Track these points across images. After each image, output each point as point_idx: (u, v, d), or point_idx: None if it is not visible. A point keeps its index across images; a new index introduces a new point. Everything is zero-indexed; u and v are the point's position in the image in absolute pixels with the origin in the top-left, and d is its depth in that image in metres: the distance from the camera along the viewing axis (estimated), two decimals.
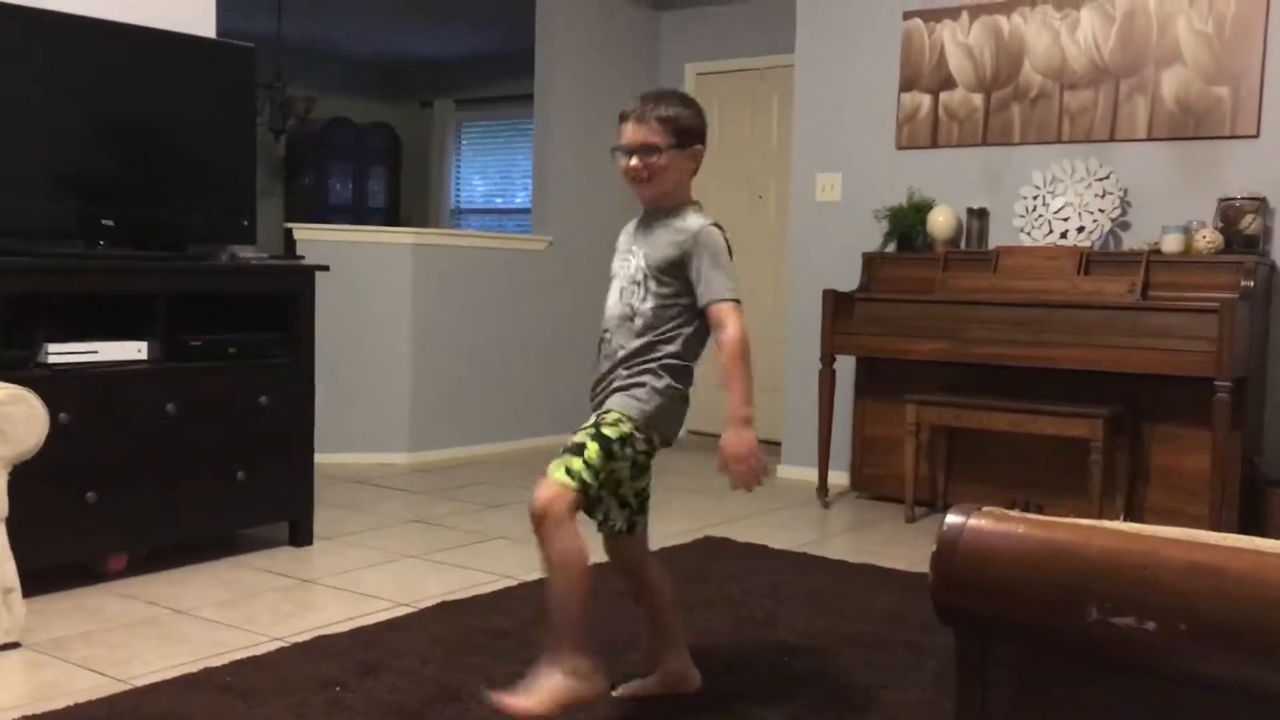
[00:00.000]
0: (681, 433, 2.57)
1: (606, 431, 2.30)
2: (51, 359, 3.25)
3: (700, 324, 2.41)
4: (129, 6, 3.82)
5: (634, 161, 2.37)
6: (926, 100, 5.12)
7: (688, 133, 2.38)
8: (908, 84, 5.17)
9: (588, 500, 2.31)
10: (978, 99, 4.99)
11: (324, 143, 9.14)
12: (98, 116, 3.62)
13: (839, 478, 5.13)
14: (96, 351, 3.35)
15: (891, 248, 5.09)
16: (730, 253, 2.41)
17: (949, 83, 5.06)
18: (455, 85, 9.38)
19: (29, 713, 2.40)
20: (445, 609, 3.24)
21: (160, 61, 3.75)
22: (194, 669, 2.69)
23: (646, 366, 2.37)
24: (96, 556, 3.44)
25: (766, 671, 2.79)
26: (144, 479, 3.46)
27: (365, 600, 3.35)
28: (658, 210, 2.45)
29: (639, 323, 2.38)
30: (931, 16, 5.10)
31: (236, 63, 3.96)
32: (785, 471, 5.56)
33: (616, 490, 2.44)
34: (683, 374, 2.42)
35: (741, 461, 2.31)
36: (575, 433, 2.34)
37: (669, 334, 2.38)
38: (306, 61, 8.39)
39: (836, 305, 4.85)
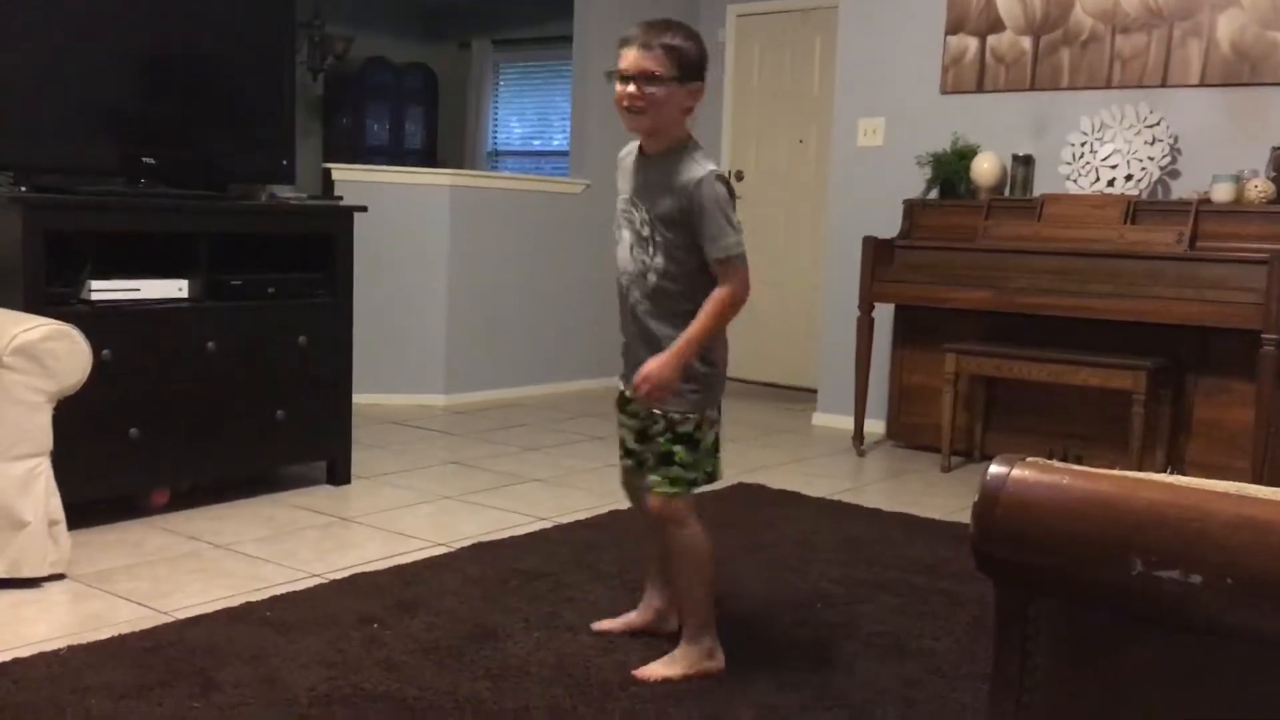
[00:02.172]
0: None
1: (683, 430, 2.35)
2: (94, 296, 3.28)
3: (707, 275, 2.34)
4: None
5: (631, 88, 2.26)
6: (973, 43, 5.01)
7: (691, 67, 2.27)
8: (954, 26, 5.06)
9: (696, 487, 2.41)
10: (1026, 42, 4.89)
11: (361, 83, 9.09)
12: (138, 54, 3.61)
13: (875, 426, 5.11)
14: (138, 289, 3.38)
15: (934, 194, 5.02)
16: (733, 197, 2.32)
17: (997, 25, 4.95)
18: (493, 26, 9.29)
19: (75, 642, 2.45)
20: (480, 549, 3.27)
21: None
22: (234, 603, 2.74)
23: (679, 332, 2.31)
24: (139, 491, 3.49)
25: (798, 619, 2.80)
26: (185, 416, 3.50)
27: (402, 539, 3.38)
28: (656, 152, 2.35)
29: (653, 279, 2.34)
30: None
31: (276, 1, 3.94)
32: (821, 419, 5.54)
33: (719, 446, 2.49)
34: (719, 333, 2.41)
35: (647, 381, 2.28)
36: (637, 434, 2.42)
37: (685, 289, 2.32)
38: (344, 0, 8.33)
39: (876, 252, 4.80)
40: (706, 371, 2.37)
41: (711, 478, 2.46)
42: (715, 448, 2.46)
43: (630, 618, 2.64)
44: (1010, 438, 4.67)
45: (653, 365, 2.28)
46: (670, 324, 2.34)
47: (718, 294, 2.28)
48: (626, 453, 2.52)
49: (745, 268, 2.30)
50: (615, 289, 2.50)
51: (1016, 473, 1.31)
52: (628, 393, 2.44)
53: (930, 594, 2.99)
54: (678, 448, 2.35)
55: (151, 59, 3.64)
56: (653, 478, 2.37)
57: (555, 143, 9.12)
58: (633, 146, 2.46)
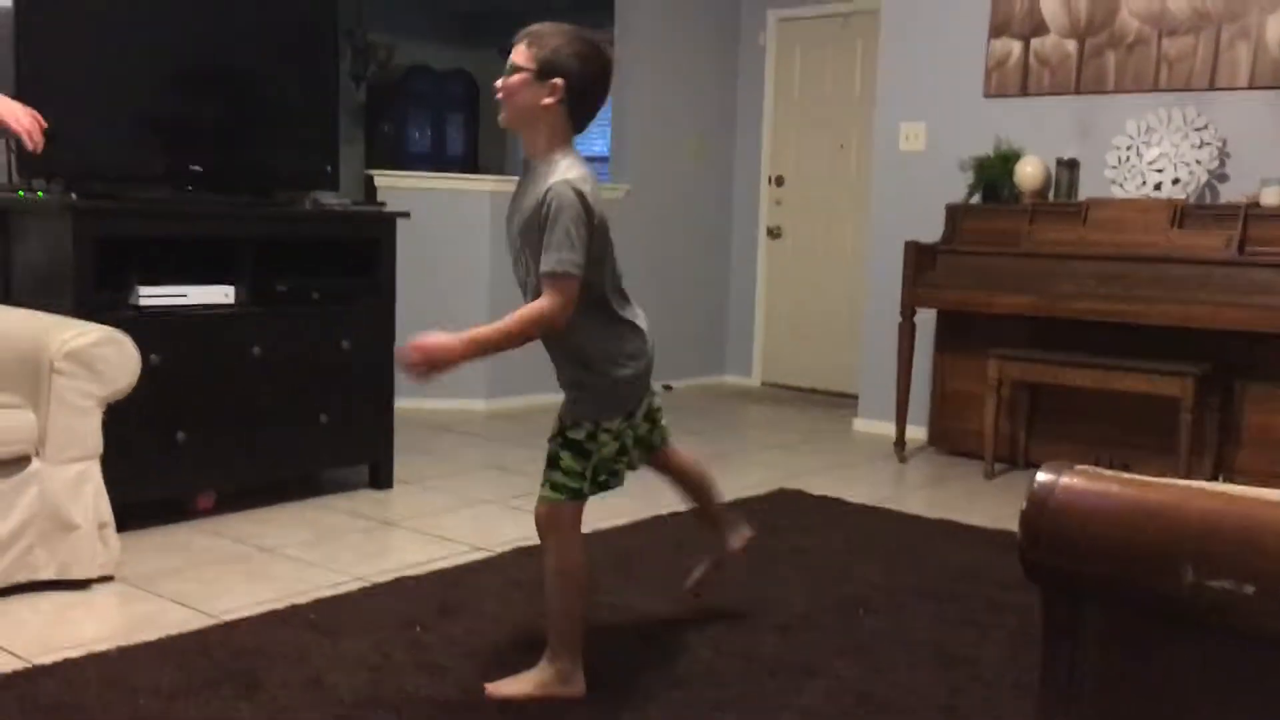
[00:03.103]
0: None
1: (572, 436, 2.26)
2: (143, 301, 3.33)
3: (599, 268, 2.22)
4: None
5: (498, 80, 2.23)
6: (1017, 46, 4.97)
7: (549, 64, 2.17)
8: (998, 29, 5.02)
9: (583, 498, 2.30)
10: (1071, 45, 4.84)
11: (403, 90, 9.17)
12: (185, 64, 3.66)
13: (916, 432, 5.07)
14: (186, 295, 3.42)
15: (976, 199, 4.98)
16: (589, 215, 2.15)
17: (1041, 28, 4.91)
18: None
19: (124, 643, 2.48)
20: (522, 554, 3.28)
21: (245, 8, 3.78)
22: (280, 605, 2.76)
23: (569, 354, 2.27)
24: (186, 494, 3.53)
25: (841, 626, 2.78)
26: (231, 420, 3.54)
27: (444, 543, 3.40)
28: (532, 159, 2.26)
29: (531, 291, 2.22)
30: None
31: (319, 10, 3.98)
32: (862, 425, 5.52)
33: (625, 454, 2.36)
34: (608, 342, 2.27)
35: (418, 351, 2.09)
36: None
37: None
38: (386, 8, 8.40)
39: (918, 257, 4.77)
40: (596, 381, 2.27)
41: (604, 486, 2.32)
42: (615, 461, 2.33)
43: (706, 563, 2.72)
44: (1055, 444, 4.62)
45: (432, 341, 2.10)
46: (573, 361, 2.27)
47: (531, 306, 2.16)
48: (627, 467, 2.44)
49: (571, 289, 2.14)
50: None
51: (1065, 480, 1.30)
52: None
53: (974, 601, 2.97)
54: (564, 453, 2.26)
55: (198, 68, 3.69)
56: (542, 481, 2.29)
57: (595, 148, 9.14)
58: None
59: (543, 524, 2.31)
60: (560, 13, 9.62)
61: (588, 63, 2.20)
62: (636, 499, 3.97)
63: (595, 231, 2.17)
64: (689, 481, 2.69)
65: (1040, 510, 1.29)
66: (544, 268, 2.13)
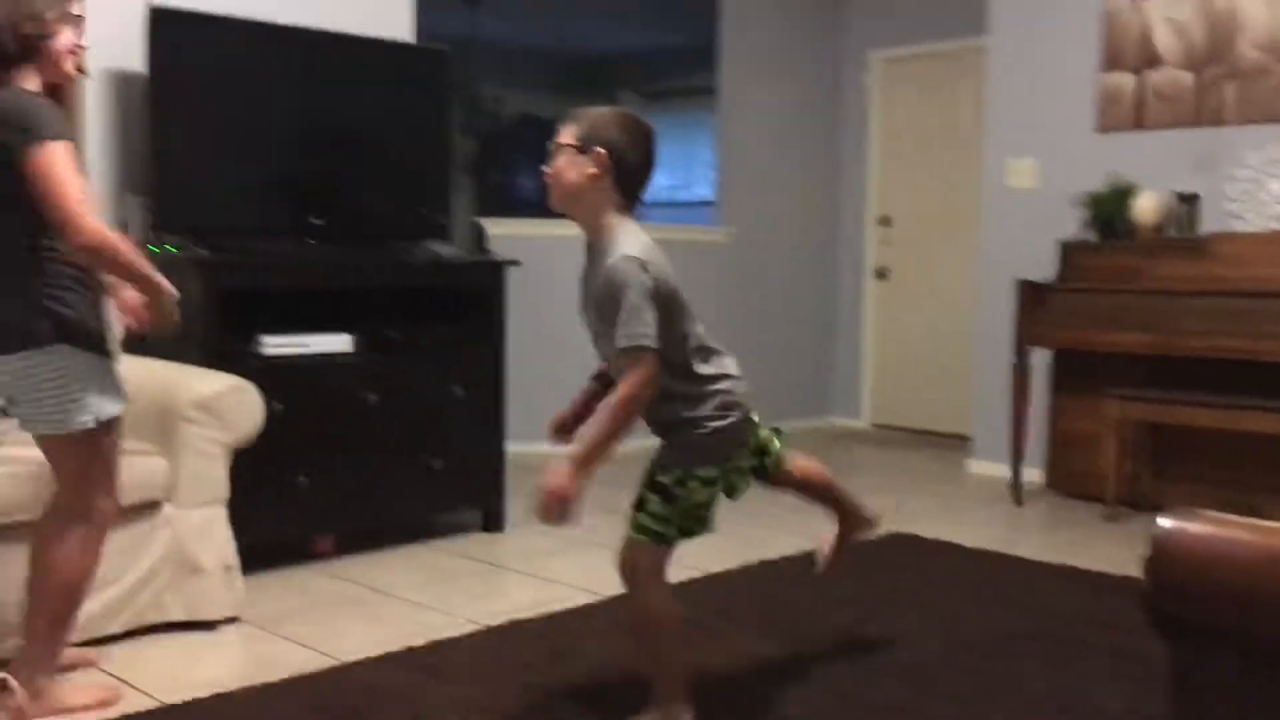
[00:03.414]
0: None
1: (660, 479, 2.26)
2: (266, 351, 3.45)
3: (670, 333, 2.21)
4: (334, 13, 4.01)
5: (545, 165, 2.25)
6: (1130, 80, 4.87)
7: (592, 137, 2.21)
8: (1110, 63, 4.93)
9: (668, 544, 2.28)
10: (1187, 77, 4.72)
11: (512, 139, 9.38)
12: (307, 121, 3.82)
13: (1033, 474, 4.95)
14: (306, 344, 3.54)
15: (1091, 235, 4.87)
16: (651, 281, 2.15)
17: (1155, 61, 4.81)
18: (639, 79, 9.45)
19: (248, 684, 2.56)
20: None
21: (364, 66, 3.92)
22: (396, 648, 2.82)
23: (655, 417, 2.27)
24: (306, 537, 3.63)
25: (957, 673, 2.72)
26: (349, 465, 3.63)
27: (554, 587, 3.43)
28: (592, 238, 2.28)
29: (621, 365, 2.19)
30: None
31: (433, 66, 4.11)
32: (975, 467, 5.40)
33: (714, 503, 2.34)
34: (693, 405, 2.27)
35: (544, 493, 2.13)
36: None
37: (670, 372, 2.21)
38: (495, 59, 8.61)
39: (1031, 295, 4.68)
40: (684, 438, 2.26)
41: (690, 534, 2.30)
42: (704, 508, 2.31)
43: (825, 536, 2.78)
44: (1179, 487, 4.47)
45: (550, 477, 2.12)
46: (661, 423, 2.27)
47: (618, 392, 2.15)
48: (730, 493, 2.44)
49: (649, 361, 2.13)
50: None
51: (1191, 526, 1.26)
52: None
53: (1097, 649, 2.87)
54: (652, 496, 2.26)
55: (318, 126, 3.84)
56: (628, 525, 2.29)
57: (699, 192, 9.20)
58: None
59: (626, 568, 2.29)
60: (665, 61, 9.77)
61: (628, 131, 2.24)
62: (735, 540, 3.96)
63: (660, 300, 2.17)
64: (814, 490, 2.73)
65: (1165, 557, 1.26)
66: (619, 345, 2.14)
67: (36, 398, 2.28)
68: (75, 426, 2.30)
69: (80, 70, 2.43)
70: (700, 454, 2.27)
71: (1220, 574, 1.23)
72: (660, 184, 9.95)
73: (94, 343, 2.31)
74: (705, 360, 2.31)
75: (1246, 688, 1.27)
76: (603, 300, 2.18)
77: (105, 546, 2.43)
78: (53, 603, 2.36)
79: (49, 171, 2.16)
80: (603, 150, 2.19)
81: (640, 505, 2.28)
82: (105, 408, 2.32)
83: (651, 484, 2.27)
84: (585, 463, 2.15)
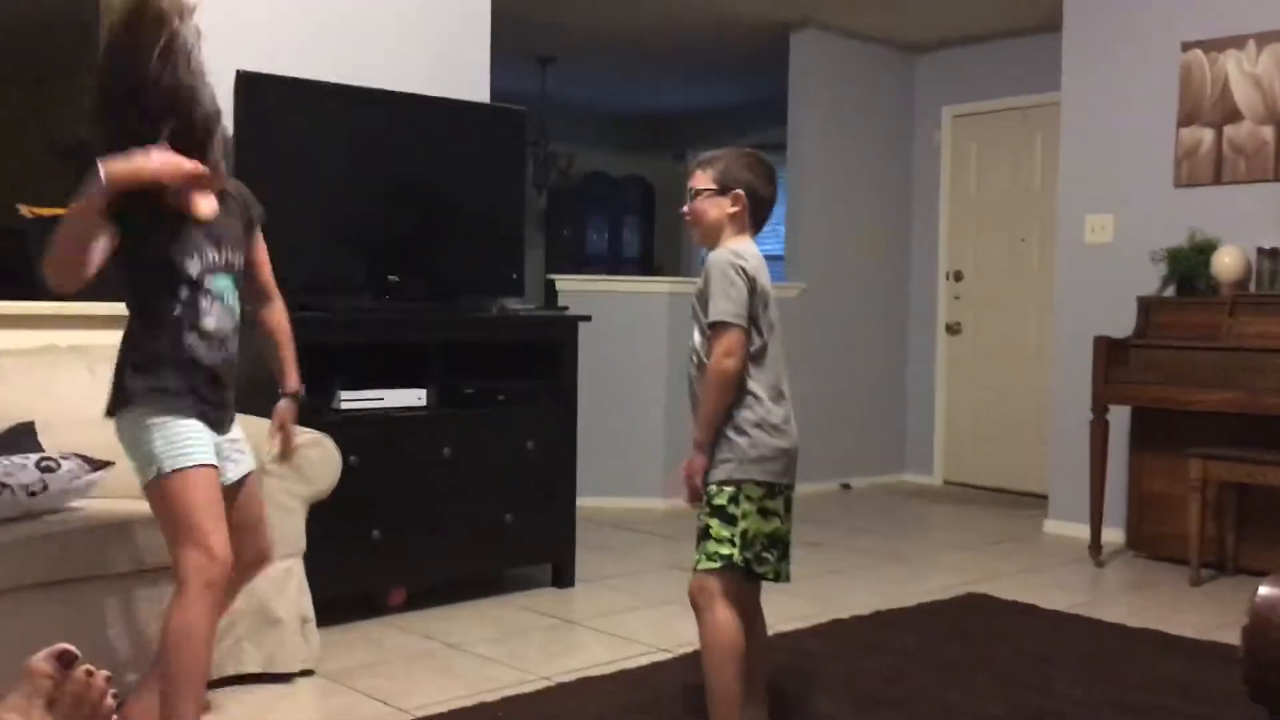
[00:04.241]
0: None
1: (717, 502, 2.37)
2: (343, 405, 3.51)
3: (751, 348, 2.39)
4: (413, 75, 4.11)
5: (685, 206, 2.51)
6: (1208, 134, 4.81)
7: (729, 180, 2.45)
8: (1187, 118, 4.87)
9: (735, 570, 2.36)
10: (1267, 131, 4.65)
11: (582, 195, 9.49)
12: (386, 180, 3.90)
13: (1112, 535, 4.84)
14: (382, 398, 3.59)
15: (1170, 291, 4.79)
16: (744, 273, 2.36)
17: (1234, 115, 4.74)
18: (708, 136, 9.53)
19: None
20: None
21: (442, 126, 4.00)
22: (469, 703, 2.82)
23: (733, 405, 2.39)
24: (379, 590, 3.66)
25: None
26: (422, 519, 3.66)
27: (626, 643, 3.41)
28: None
29: (696, 360, 2.44)
30: (1214, 46, 4.79)
31: (509, 125, 4.19)
32: (1052, 527, 5.29)
33: (775, 538, 2.44)
34: (745, 406, 2.39)
35: (686, 480, 2.41)
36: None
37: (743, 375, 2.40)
38: (566, 118, 8.75)
39: (1109, 352, 4.60)
40: (731, 440, 2.38)
41: (756, 564, 2.38)
42: (758, 536, 2.37)
43: None
44: (1268, 550, 4.33)
45: (685, 470, 2.42)
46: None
47: (708, 367, 2.37)
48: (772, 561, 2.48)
49: (733, 337, 2.34)
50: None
51: None
52: None
53: (1186, 718, 2.78)
54: (713, 521, 2.37)
55: (396, 184, 3.92)
56: (696, 555, 2.39)
57: (766, 247, 9.21)
58: None
59: (695, 596, 2.38)
60: (734, 118, 9.90)
61: (755, 169, 2.49)
62: (804, 598, 3.91)
63: (754, 294, 2.37)
64: (756, 659, 2.53)
65: (1265, 625, 1.22)
66: (710, 318, 2.35)
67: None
68: (144, 479, 2.34)
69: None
70: (746, 465, 2.37)
71: None
72: None
73: (168, 403, 2.33)
74: (762, 381, 2.42)
75: None
76: (700, 292, 2.40)
77: (205, 604, 2.32)
78: (165, 664, 2.34)
79: None
80: (740, 191, 2.44)
81: (704, 534, 2.38)
82: (174, 461, 2.31)
83: (711, 509, 2.38)
84: (701, 439, 2.39)
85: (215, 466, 2.37)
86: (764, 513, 2.39)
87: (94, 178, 2.14)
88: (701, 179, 2.48)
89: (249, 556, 2.52)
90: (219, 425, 2.43)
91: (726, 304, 2.33)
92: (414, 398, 3.67)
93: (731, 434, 2.38)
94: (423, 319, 3.78)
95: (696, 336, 2.44)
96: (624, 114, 9.65)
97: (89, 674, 1.29)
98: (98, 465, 2.80)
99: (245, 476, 2.52)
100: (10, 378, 3.03)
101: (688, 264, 9.71)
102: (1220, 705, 2.83)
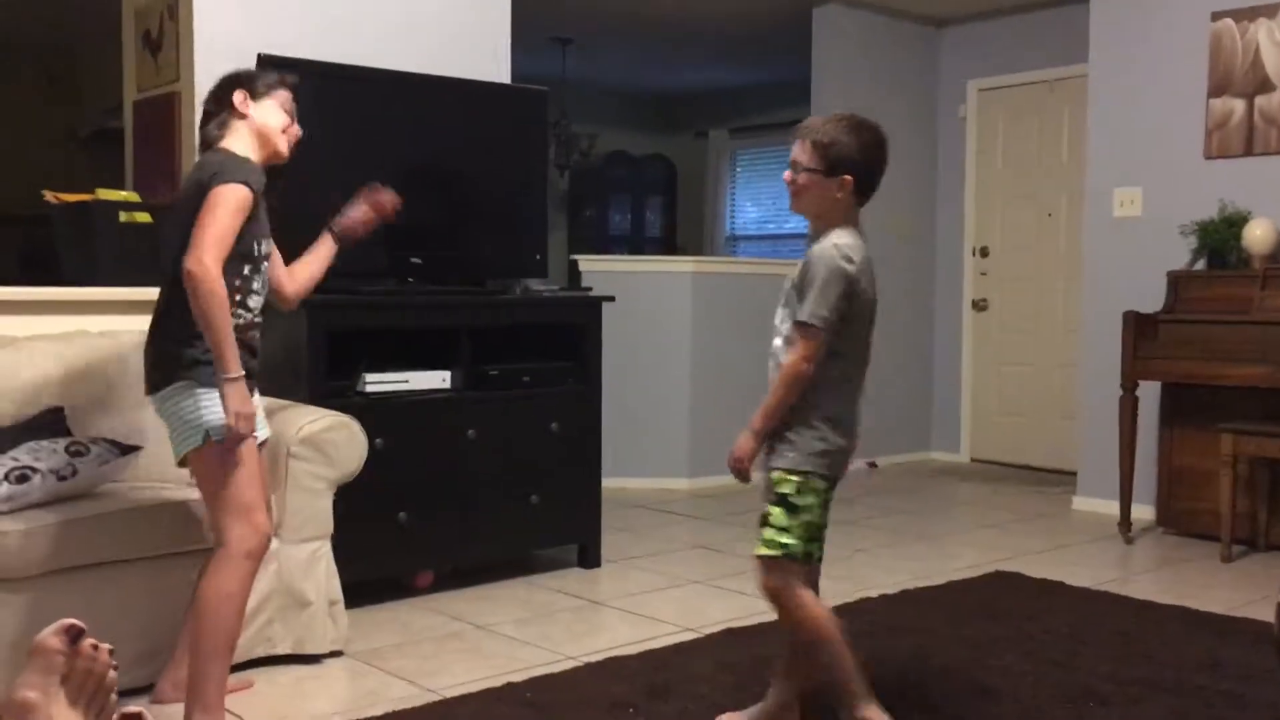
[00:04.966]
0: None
1: (782, 491, 2.35)
2: (369, 388, 3.52)
3: (835, 343, 2.34)
4: (434, 56, 4.10)
5: (787, 174, 2.41)
6: (1239, 105, 4.74)
7: (837, 161, 2.33)
8: (1218, 89, 4.80)
9: (796, 559, 2.36)
10: None
11: (604, 176, 9.47)
12: (408, 162, 3.89)
13: (1142, 512, 4.80)
14: (407, 381, 3.60)
15: (1200, 265, 4.74)
16: (846, 279, 2.30)
17: (1265, 85, 4.67)
18: (730, 114, 9.50)
19: (352, 718, 2.59)
20: (731, 636, 3.26)
21: (462, 108, 3.99)
22: (496, 683, 2.83)
23: (803, 393, 2.36)
24: (407, 572, 3.67)
25: (1069, 719, 2.63)
26: (448, 501, 3.67)
27: (652, 623, 3.41)
28: (813, 234, 2.43)
29: (779, 343, 2.40)
30: (1245, 15, 4.72)
31: (530, 106, 4.17)
32: (1081, 503, 5.26)
33: (821, 530, 2.43)
34: (829, 395, 2.36)
35: (732, 460, 2.38)
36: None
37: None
38: (588, 98, 8.72)
39: (1139, 327, 4.55)
40: (809, 432, 2.35)
41: (809, 557, 2.39)
42: (818, 529, 2.39)
43: (753, 711, 2.56)
44: None
45: (737, 451, 2.38)
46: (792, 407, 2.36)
47: (789, 360, 2.33)
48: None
49: (814, 340, 2.30)
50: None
51: None
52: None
53: (1215, 696, 2.76)
54: (775, 509, 2.36)
55: (418, 166, 3.91)
56: (758, 540, 2.38)
57: (789, 225, 9.18)
58: None
59: (765, 586, 2.39)
60: (756, 95, 9.82)
61: (868, 149, 2.37)
62: (831, 578, 3.90)
63: (852, 297, 2.32)
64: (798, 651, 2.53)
65: None
66: (798, 317, 2.32)
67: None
68: (188, 448, 2.46)
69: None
70: (808, 458, 2.35)
71: None
72: (751, 217, 10.05)
73: (211, 376, 2.43)
74: (851, 378, 2.40)
75: None
76: (799, 279, 2.35)
77: (245, 572, 2.47)
78: (197, 629, 2.46)
79: (207, 208, 2.38)
80: (849, 178, 2.34)
81: (764, 521, 2.37)
82: (223, 430, 2.41)
83: (776, 497, 2.36)
84: (759, 425, 2.36)
85: (259, 439, 2.52)
86: (825, 505, 2.39)
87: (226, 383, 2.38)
88: (807, 154, 2.35)
89: None
90: (251, 392, 2.55)
91: (821, 308, 2.28)
92: (439, 380, 3.68)
93: (801, 426, 2.36)
94: (446, 301, 3.78)
95: (785, 323, 2.39)
96: (645, 93, 9.61)
97: (94, 647, 1.30)
98: (127, 449, 2.82)
99: (262, 443, 2.67)
100: (40, 362, 3.06)
101: (710, 243, 9.68)
102: (1250, 682, 2.81)
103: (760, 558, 2.36)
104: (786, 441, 2.36)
